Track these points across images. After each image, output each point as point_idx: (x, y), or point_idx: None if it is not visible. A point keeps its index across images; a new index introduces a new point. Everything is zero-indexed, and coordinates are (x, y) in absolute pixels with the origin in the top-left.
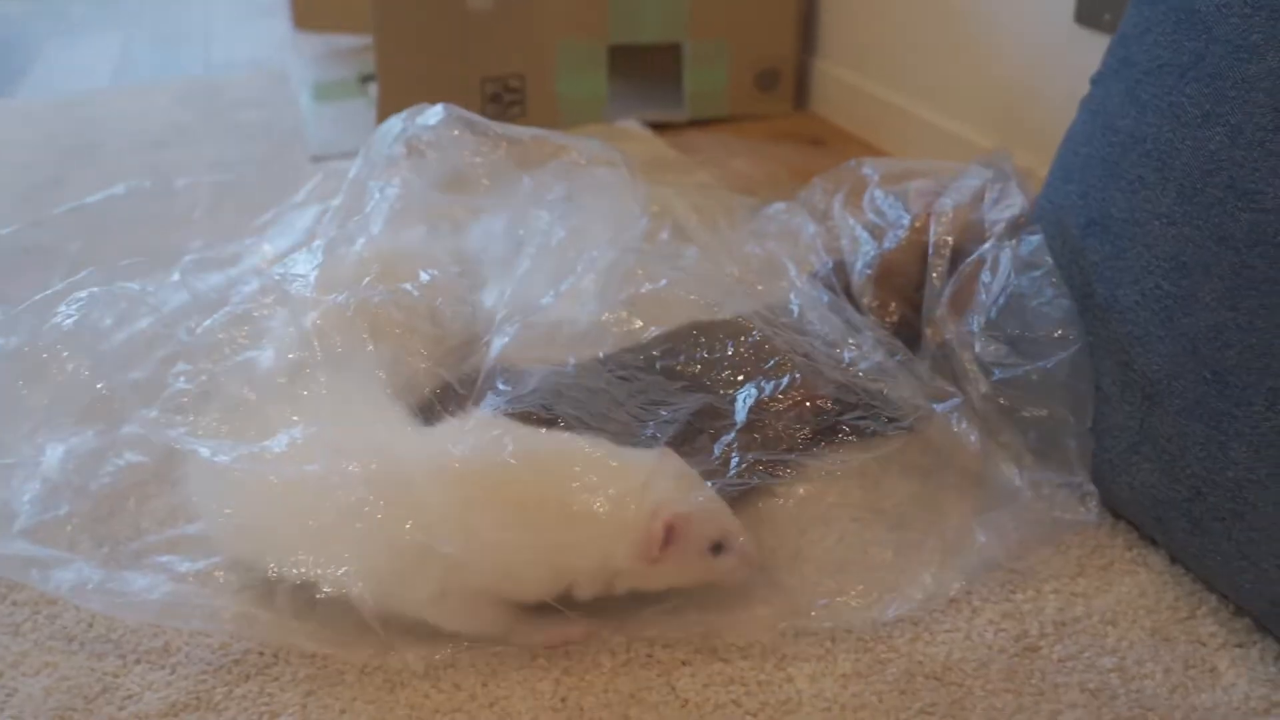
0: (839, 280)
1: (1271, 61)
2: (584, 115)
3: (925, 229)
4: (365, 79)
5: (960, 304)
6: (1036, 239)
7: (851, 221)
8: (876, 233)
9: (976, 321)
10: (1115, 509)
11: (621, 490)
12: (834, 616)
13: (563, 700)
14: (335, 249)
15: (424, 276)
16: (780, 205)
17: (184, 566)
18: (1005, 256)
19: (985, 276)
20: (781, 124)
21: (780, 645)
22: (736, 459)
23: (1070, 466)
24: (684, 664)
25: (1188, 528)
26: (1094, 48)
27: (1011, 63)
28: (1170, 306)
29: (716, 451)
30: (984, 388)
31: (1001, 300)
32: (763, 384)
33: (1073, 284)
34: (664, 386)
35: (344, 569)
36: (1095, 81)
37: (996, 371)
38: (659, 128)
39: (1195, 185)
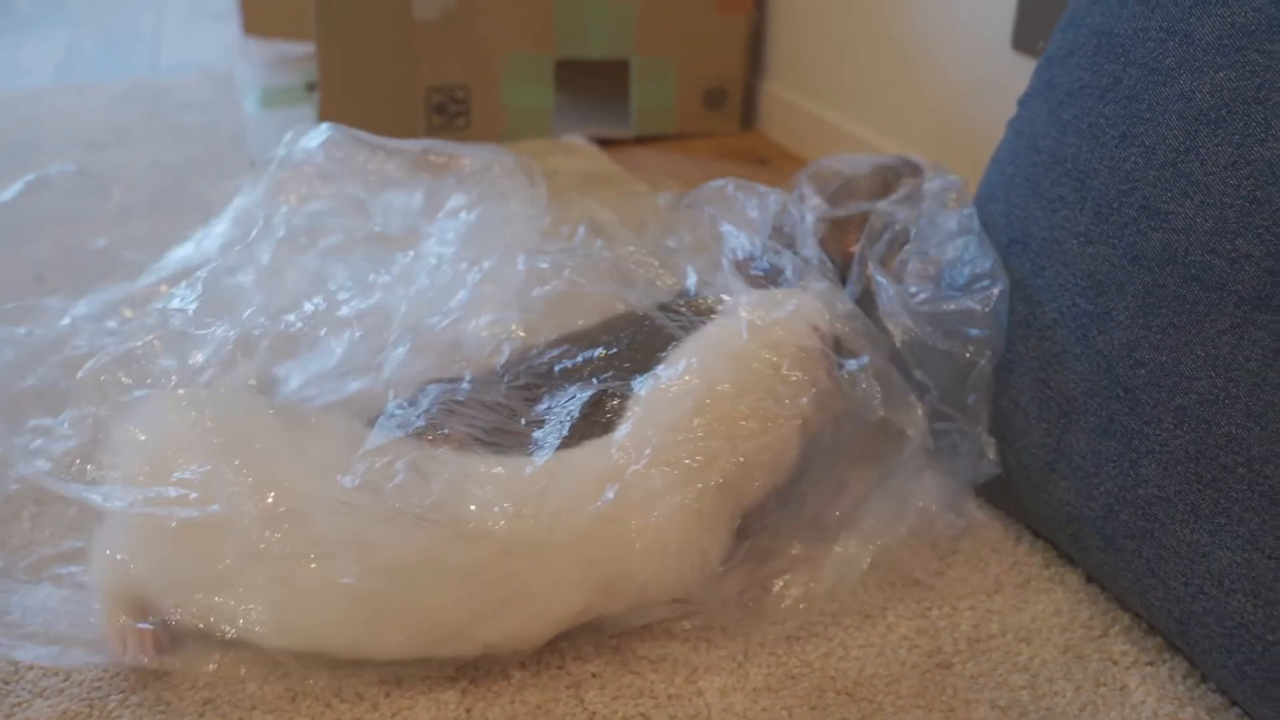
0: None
1: (1184, 84)
2: (530, 128)
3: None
4: (311, 86)
5: (889, 258)
6: (969, 210)
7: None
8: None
9: (904, 265)
10: (1034, 527)
11: (518, 503)
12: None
13: (467, 711)
14: (219, 280)
15: (307, 306)
16: (718, 181)
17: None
18: (933, 219)
19: (913, 231)
20: (728, 142)
21: (691, 658)
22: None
23: (975, 416)
24: (594, 675)
25: (1101, 545)
26: (1029, 73)
27: (950, 87)
28: (1086, 324)
29: (621, 433)
30: (906, 320)
31: (929, 251)
32: (658, 372)
33: None
34: (564, 390)
35: (247, 610)
36: (1021, 103)
37: (920, 297)
38: (606, 144)
39: (1111, 204)
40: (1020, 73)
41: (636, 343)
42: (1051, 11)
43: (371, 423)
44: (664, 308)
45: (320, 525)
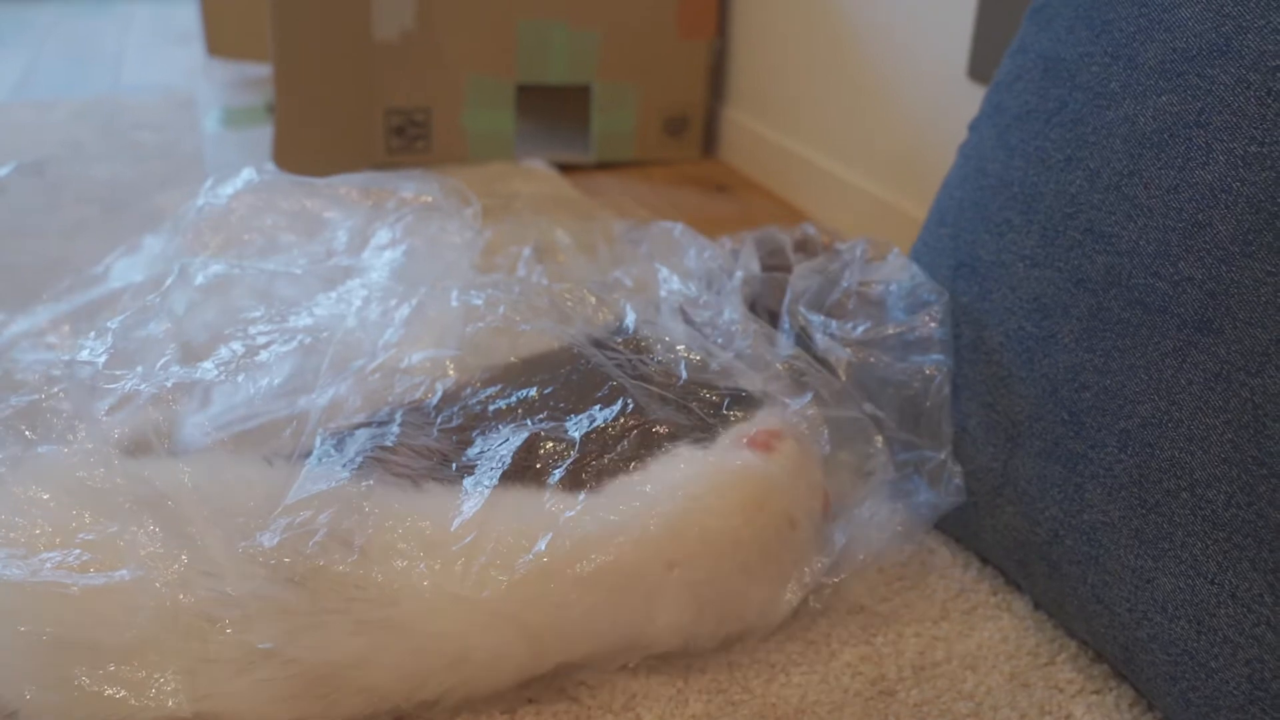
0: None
1: (1127, 109)
2: (490, 151)
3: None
4: (272, 107)
5: (826, 304)
6: (895, 250)
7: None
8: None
9: (843, 304)
10: (981, 553)
11: (445, 561)
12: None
13: None
14: (129, 332)
15: (224, 352)
16: (666, 224)
17: None
18: (863, 264)
19: (846, 274)
20: (688, 169)
21: (630, 684)
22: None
23: (935, 437)
24: (530, 701)
25: (1047, 571)
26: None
27: (908, 116)
28: (1032, 348)
29: (555, 478)
30: (846, 353)
31: (867, 289)
32: (594, 412)
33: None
34: (497, 432)
35: (160, 680)
36: (971, 128)
37: (859, 330)
38: (567, 169)
39: (1057, 228)
40: (976, 101)
41: (572, 382)
42: (1007, 41)
43: (293, 459)
44: (600, 344)
45: (236, 586)
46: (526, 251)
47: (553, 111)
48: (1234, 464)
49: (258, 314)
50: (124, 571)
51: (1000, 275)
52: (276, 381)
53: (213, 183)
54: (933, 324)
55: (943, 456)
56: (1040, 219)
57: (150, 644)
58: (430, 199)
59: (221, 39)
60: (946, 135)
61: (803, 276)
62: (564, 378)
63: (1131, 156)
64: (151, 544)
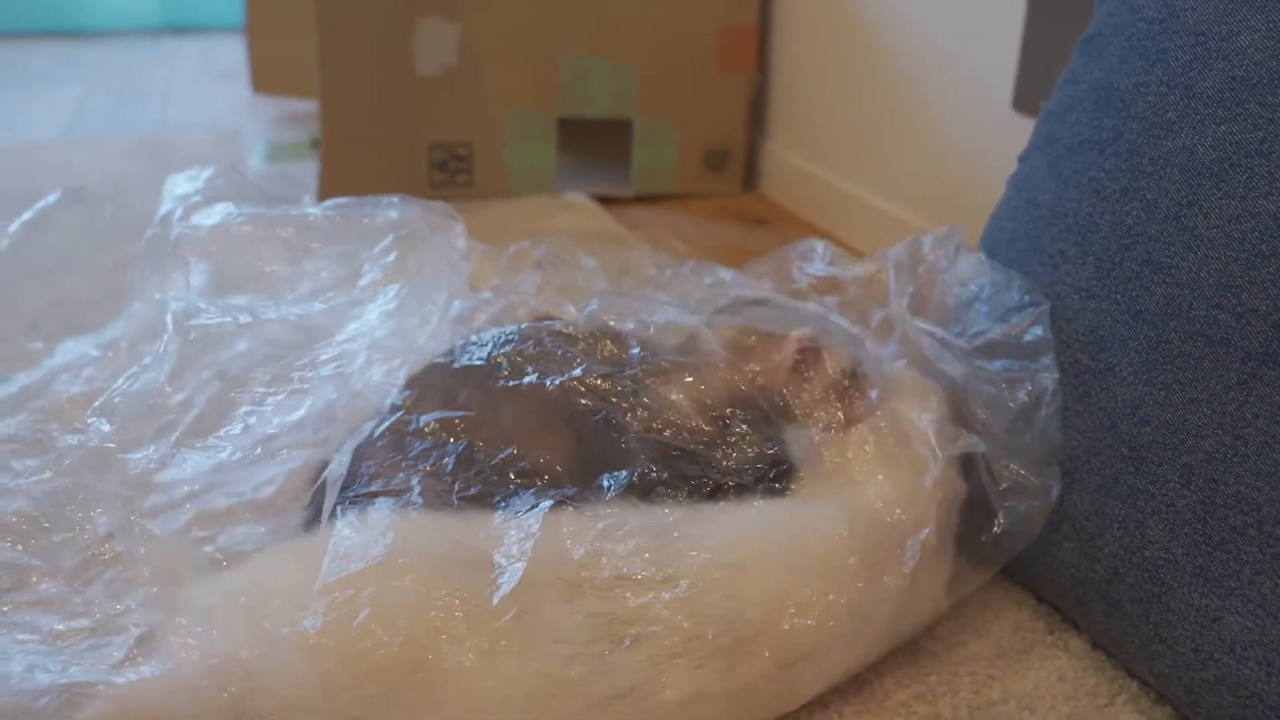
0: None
1: (1185, 138)
2: (532, 186)
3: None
4: (316, 142)
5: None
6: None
7: None
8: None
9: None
10: (1037, 590)
11: (491, 636)
12: None
13: None
14: (130, 404)
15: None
16: (696, 264)
17: None
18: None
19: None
20: (729, 203)
21: None
22: None
23: (1041, 458)
24: None
25: (1106, 610)
26: (1030, 133)
27: (952, 149)
28: (1089, 381)
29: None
30: (960, 362)
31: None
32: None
33: None
34: (521, 498)
35: None
36: (1022, 159)
37: (967, 335)
38: (607, 202)
39: (1113, 259)
40: (1021, 133)
41: (584, 438)
42: (1052, 72)
43: (309, 526)
44: (602, 396)
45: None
46: (539, 252)
47: (594, 145)
48: None
49: (264, 374)
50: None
51: (1054, 307)
52: (278, 473)
53: (184, 210)
54: (1037, 328)
55: (1050, 484)
56: (1096, 250)
57: None
58: (418, 223)
59: (267, 76)
60: (991, 168)
61: (897, 272)
62: (576, 436)
63: (1190, 187)
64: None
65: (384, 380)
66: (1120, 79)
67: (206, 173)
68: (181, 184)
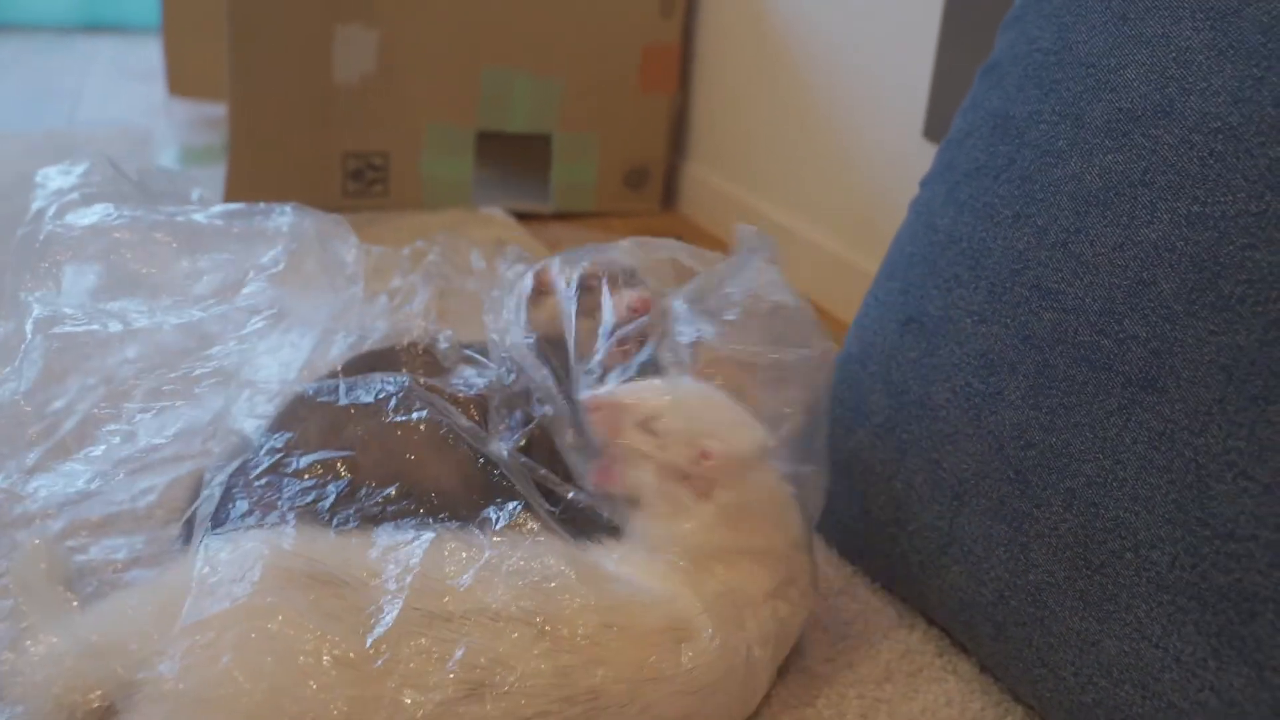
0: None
1: (1074, 166)
2: (448, 198)
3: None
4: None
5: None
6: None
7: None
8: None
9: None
10: (927, 613)
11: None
12: None
13: None
14: None
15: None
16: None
17: None
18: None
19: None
20: (647, 223)
21: None
22: None
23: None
24: None
25: (993, 633)
26: None
27: (866, 174)
28: (979, 404)
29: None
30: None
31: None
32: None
33: (889, 381)
34: (401, 531)
35: None
36: (923, 184)
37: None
38: (526, 218)
39: (1004, 284)
40: (930, 160)
41: (469, 477)
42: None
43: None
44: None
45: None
46: (433, 254)
47: (515, 159)
48: (1178, 525)
49: (149, 382)
50: None
51: (948, 331)
52: (163, 481)
53: (59, 210)
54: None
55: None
56: (988, 275)
57: None
58: (307, 232)
59: (183, 78)
60: (902, 194)
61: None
62: (458, 474)
63: (1078, 214)
64: None
65: (265, 412)
66: (1016, 107)
67: (81, 167)
68: (55, 178)
